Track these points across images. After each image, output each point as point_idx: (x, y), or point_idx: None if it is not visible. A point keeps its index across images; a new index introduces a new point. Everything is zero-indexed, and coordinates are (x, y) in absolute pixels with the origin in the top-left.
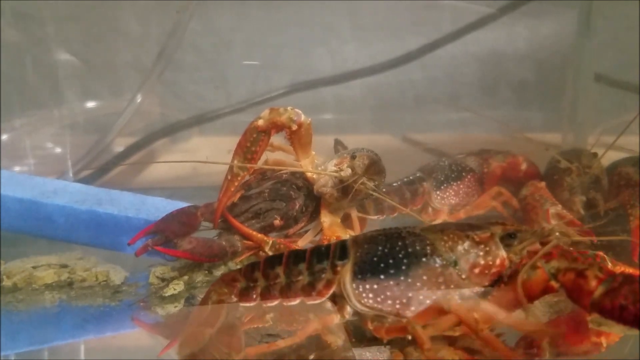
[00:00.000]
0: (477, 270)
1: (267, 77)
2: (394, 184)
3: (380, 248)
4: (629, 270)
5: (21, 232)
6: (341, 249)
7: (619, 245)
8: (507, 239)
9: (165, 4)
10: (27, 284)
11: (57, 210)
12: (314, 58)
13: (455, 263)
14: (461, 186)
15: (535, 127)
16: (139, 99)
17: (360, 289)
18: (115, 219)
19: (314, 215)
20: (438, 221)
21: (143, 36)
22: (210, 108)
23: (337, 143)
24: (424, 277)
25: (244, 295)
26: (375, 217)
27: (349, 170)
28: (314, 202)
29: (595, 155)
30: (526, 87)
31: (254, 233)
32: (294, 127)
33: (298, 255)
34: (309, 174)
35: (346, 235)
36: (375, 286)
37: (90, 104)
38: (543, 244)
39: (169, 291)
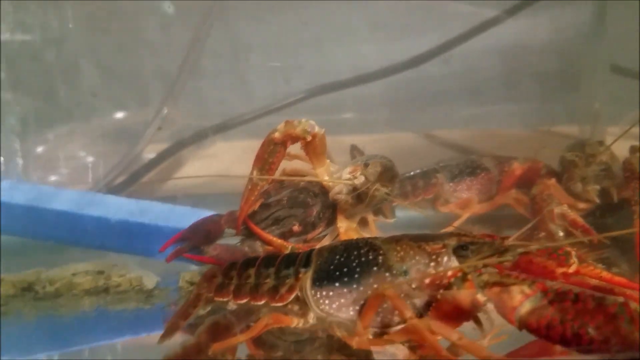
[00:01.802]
0: (427, 281)
1: (286, 79)
2: (410, 173)
3: (337, 257)
4: (598, 273)
5: (59, 242)
6: (306, 258)
7: (629, 241)
8: (460, 251)
9: (186, 12)
10: (68, 290)
11: (92, 221)
12: (332, 58)
13: (406, 273)
14: (474, 182)
15: (558, 120)
16: (165, 108)
17: (318, 295)
18: (145, 227)
19: (331, 220)
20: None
21: (166, 45)
22: (233, 113)
23: (353, 149)
24: (375, 286)
25: (219, 291)
26: (392, 220)
27: (362, 178)
28: (331, 209)
29: (601, 143)
30: (548, 79)
31: (274, 239)
32: (309, 138)
33: (270, 260)
34: (324, 183)
35: None
36: (330, 293)
37: (119, 115)
38: (500, 255)
39: None
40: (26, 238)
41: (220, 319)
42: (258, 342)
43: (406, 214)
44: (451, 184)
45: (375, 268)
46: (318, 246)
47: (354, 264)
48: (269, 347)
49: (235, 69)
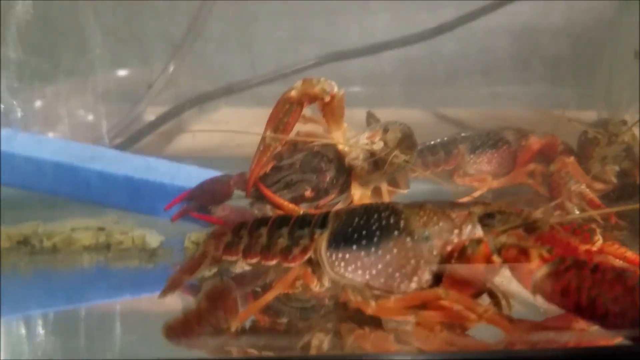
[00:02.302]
0: (449, 248)
1: (294, 48)
2: (430, 143)
3: (356, 220)
4: (623, 253)
5: (58, 195)
6: (322, 219)
7: None
8: (486, 220)
9: None
10: (66, 245)
11: (95, 175)
12: (342, 29)
13: (427, 238)
14: (495, 155)
15: (569, 103)
16: (170, 68)
17: (333, 258)
18: (150, 185)
19: (345, 187)
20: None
21: (172, 7)
22: (239, 79)
23: (370, 116)
24: (394, 250)
25: (228, 249)
26: (405, 191)
27: (381, 144)
28: (345, 175)
29: (624, 122)
30: (561, 62)
31: (285, 203)
32: (327, 99)
33: (284, 220)
34: (340, 147)
35: None
36: (347, 255)
37: (122, 73)
38: (528, 229)
39: None
40: (25, 190)
41: (219, 284)
42: (263, 308)
43: (419, 186)
44: (472, 156)
45: (396, 232)
46: None
47: (374, 227)
48: (274, 313)
49: (241, 35)
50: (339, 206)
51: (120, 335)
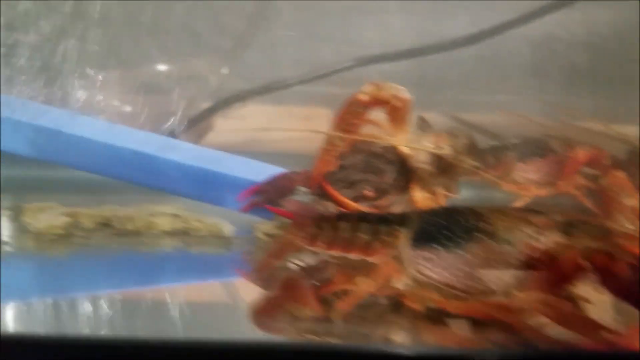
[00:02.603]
0: (530, 252)
1: (312, 47)
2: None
3: (439, 220)
4: None
5: (133, 183)
6: (405, 217)
7: None
8: (567, 228)
9: None
10: (147, 229)
11: (170, 165)
12: (360, 29)
13: (511, 242)
14: (544, 164)
15: (586, 114)
16: (204, 64)
17: (415, 255)
18: (222, 177)
19: (404, 189)
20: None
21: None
22: (258, 77)
23: (421, 120)
24: (478, 253)
25: (312, 239)
26: (457, 195)
27: (450, 149)
28: (404, 177)
29: None
30: (579, 73)
31: (348, 201)
32: (398, 104)
33: (365, 216)
34: (403, 149)
35: None
36: (429, 254)
37: (161, 67)
38: (604, 240)
39: None
40: (98, 175)
41: (293, 275)
42: (321, 300)
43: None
44: (521, 165)
45: (479, 234)
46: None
47: (458, 229)
48: (329, 307)
49: (263, 33)
50: (397, 207)
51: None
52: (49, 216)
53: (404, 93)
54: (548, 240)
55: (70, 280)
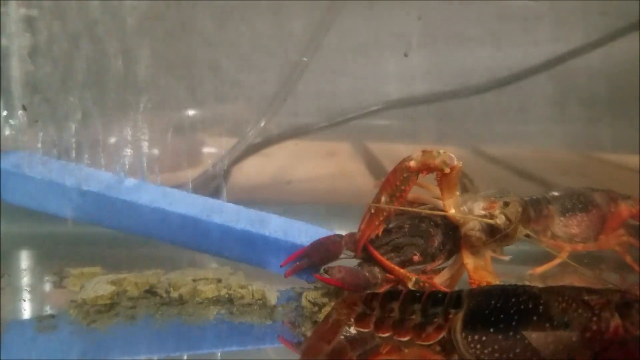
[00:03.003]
0: (588, 335)
1: (332, 80)
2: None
3: (493, 302)
4: None
5: (178, 245)
6: (456, 298)
7: None
8: (624, 308)
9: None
10: (192, 297)
11: (215, 227)
12: (381, 65)
13: (567, 325)
14: (585, 218)
15: (606, 146)
16: (229, 108)
17: (469, 339)
18: (265, 239)
19: (451, 253)
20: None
21: (221, 38)
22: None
23: (464, 176)
24: (533, 336)
25: (360, 320)
26: (507, 258)
27: (503, 218)
28: (452, 241)
29: None
30: (597, 103)
31: (395, 266)
32: (447, 171)
33: (415, 296)
34: (451, 214)
35: (496, 281)
36: (483, 338)
37: (191, 112)
38: None
39: (322, 316)
40: (146, 238)
41: (338, 345)
42: None
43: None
44: (562, 219)
45: (535, 317)
46: (437, 279)
47: (512, 311)
48: None
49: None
50: (446, 272)
51: None
52: (94, 285)
53: (455, 160)
54: (604, 322)
55: (114, 348)
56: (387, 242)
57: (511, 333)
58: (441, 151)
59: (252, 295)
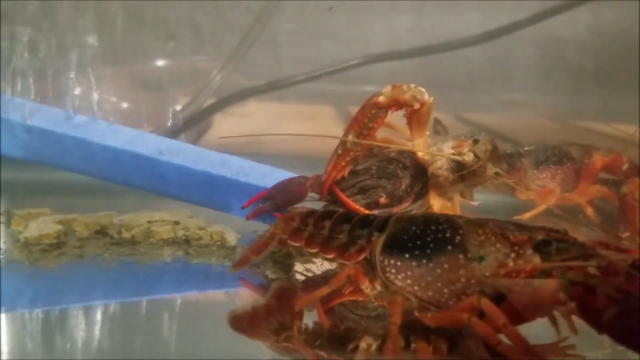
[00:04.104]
0: (503, 271)
1: (317, 44)
2: None
3: (413, 228)
4: None
5: (132, 187)
6: (383, 222)
7: None
8: (545, 247)
9: None
10: (145, 237)
11: (172, 168)
12: (367, 28)
13: (482, 259)
14: (559, 171)
15: (589, 116)
16: (206, 60)
17: (386, 262)
18: (226, 181)
19: (419, 195)
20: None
21: None
22: (260, 74)
23: (437, 123)
24: (445, 266)
25: (293, 235)
26: (476, 203)
27: (472, 155)
28: (420, 183)
29: None
30: (584, 74)
31: (360, 208)
32: (417, 106)
33: (348, 217)
34: (420, 155)
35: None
36: (398, 263)
37: (160, 63)
38: (586, 259)
39: (284, 257)
40: (98, 178)
41: (287, 284)
42: (328, 311)
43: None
44: (535, 171)
45: (450, 247)
46: None
47: (429, 239)
48: (338, 317)
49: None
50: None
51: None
52: (40, 224)
53: (425, 95)
54: (522, 259)
55: (62, 292)
56: (353, 184)
57: (424, 261)
58: (412, 85)
59: (211, 236)
